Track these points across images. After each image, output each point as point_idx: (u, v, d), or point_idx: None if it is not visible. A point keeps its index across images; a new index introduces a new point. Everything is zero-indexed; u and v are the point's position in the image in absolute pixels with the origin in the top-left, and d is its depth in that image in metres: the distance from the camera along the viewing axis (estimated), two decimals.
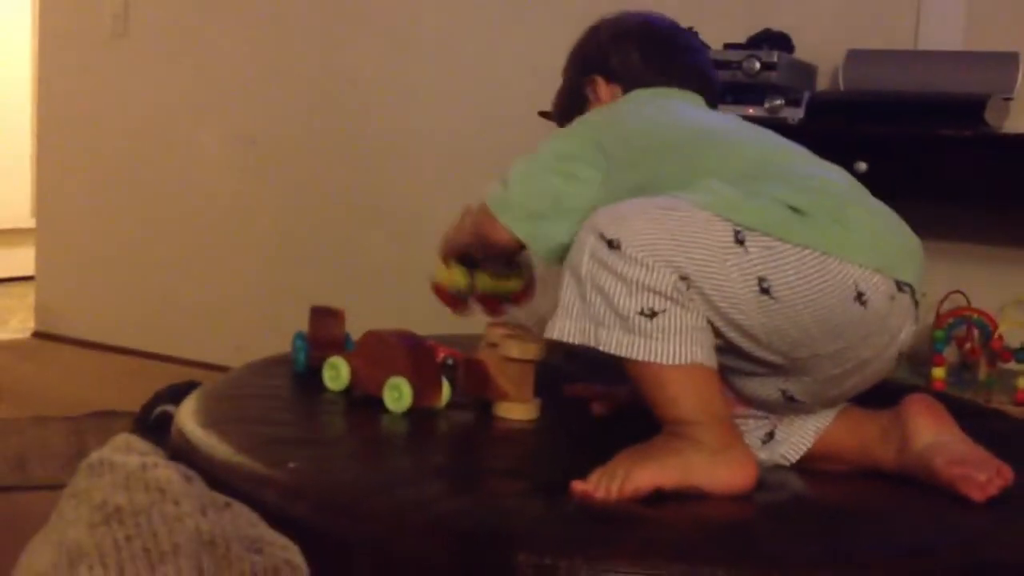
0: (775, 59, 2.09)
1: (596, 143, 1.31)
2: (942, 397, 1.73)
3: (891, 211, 1.20)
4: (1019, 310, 2.14)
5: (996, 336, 2.04)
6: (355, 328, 1.61)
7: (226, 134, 3.18)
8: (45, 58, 3.54)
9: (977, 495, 1.11)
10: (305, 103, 3.05)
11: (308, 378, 1.48)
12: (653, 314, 1.07)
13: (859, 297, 1.10)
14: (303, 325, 1.58)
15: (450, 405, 1.38)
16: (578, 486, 1.06)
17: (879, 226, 1.16)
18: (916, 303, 1.18)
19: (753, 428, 1.24)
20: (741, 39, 2.20)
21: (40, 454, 2.18)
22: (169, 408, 1.43)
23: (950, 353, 2.08)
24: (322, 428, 1.31)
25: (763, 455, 1.22)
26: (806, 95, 2.09)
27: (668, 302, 1.08)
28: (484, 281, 1.50)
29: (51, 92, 3.52)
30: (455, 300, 1.51)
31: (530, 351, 1.33)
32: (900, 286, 1.14)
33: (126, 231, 3.38)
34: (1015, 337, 2.06)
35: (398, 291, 2.86)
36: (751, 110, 2.07)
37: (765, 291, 1.08)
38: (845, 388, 1.20)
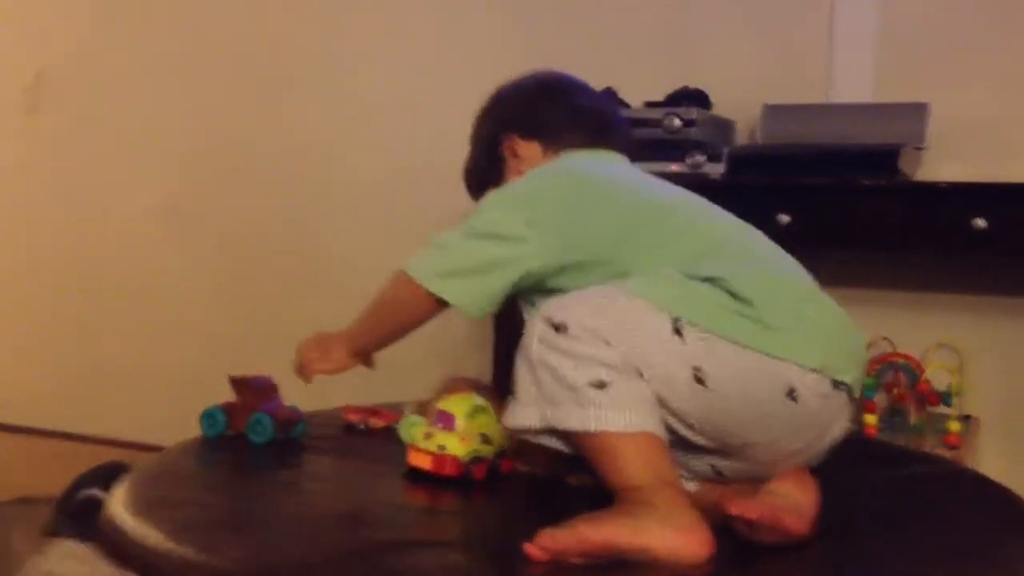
0: (694, 116, 2.13)
1: (529, 218, 1.29)
2: (875, 444, 1.76)
3: (840, 310, 1.21)
4: (942, 353, 2.18)
5: (923, 380, 2.08)
6: (293, 396, 1.58)
7: (147, 205, 3.13)
8: None
9: (734, 509, 1.09)
10: (227, 168, 3.02)
11: (240, 457, 1.45)
12: (602, 384, 1.08)
13: (790, 393, 1.12)
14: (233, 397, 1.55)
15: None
16: (528, 547, 1.04)
17: (827, 327, 1.17)
18: (853, 400, 1.20)
19: None
20: (660, 97, 2.24)
21: None
22: (94, 492, 1.38)
23: (881, 399, 2.12)
24: (256, 508, 1.28)
25: None
26: (726, 150, 2.13)
27: (616, 374, 1.09)
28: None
29: None
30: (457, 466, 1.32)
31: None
32: (837, 385, 1.15)
33: (47, 309, 3.30)
34: (941, 380, 2.10)
35: None
36: (674, 167, 2.10)
37: (700, 380, 1.10)
38: (773, 472, 1.20)
